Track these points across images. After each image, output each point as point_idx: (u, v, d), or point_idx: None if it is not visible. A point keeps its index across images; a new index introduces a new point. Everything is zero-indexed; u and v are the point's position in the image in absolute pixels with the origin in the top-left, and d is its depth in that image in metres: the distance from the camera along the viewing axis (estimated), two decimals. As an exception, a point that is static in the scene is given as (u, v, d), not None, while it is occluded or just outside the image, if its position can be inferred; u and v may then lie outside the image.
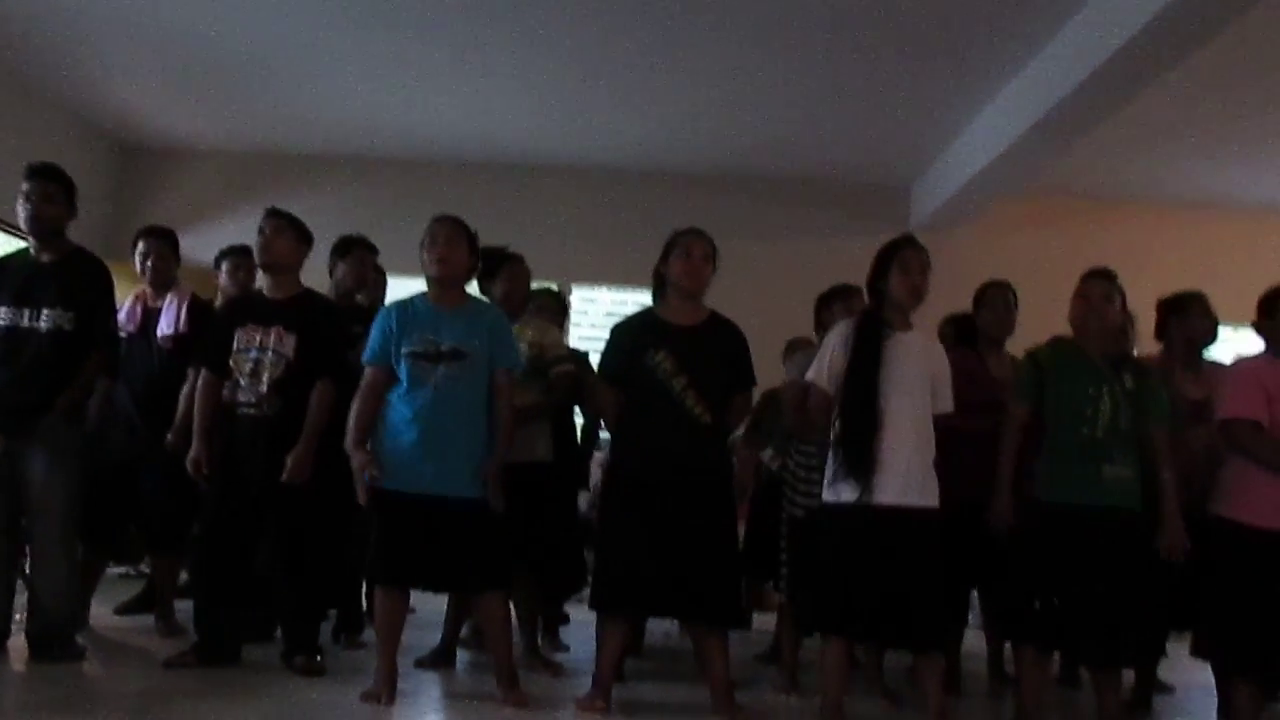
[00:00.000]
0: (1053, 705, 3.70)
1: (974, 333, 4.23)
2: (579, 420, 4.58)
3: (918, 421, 3.30)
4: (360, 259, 4.42)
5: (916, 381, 3.33)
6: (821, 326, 4.05)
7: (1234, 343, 3.70)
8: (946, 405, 3.40)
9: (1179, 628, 3.73)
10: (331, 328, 3.77)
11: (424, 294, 3.52)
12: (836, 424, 3.32)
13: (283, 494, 3.59)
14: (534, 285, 4.54)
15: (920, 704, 3.39)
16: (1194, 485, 3.61)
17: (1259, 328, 3.56)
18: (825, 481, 3.34)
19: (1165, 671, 4.11)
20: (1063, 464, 3.35)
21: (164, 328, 4.24)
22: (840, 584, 3.23)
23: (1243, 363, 3.59)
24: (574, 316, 7.80)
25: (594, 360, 4.00)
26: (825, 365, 3.37)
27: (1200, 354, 4.04)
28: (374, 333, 3.45)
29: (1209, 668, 3.62)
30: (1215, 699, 3.85)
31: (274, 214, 3.82)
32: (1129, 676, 3.79)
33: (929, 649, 3.35)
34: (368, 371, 3.44)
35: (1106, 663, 3.37)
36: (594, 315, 7.70)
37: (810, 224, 7.60)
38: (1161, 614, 3.52)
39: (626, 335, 3.54)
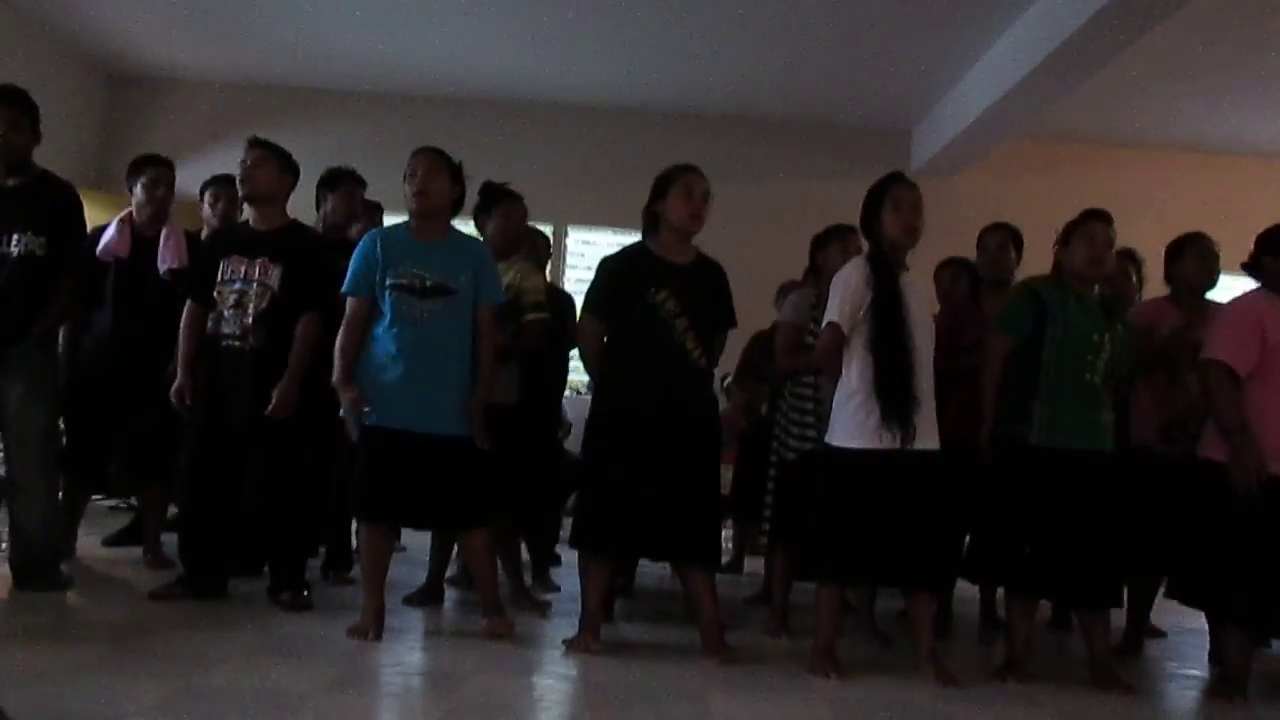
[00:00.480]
0: (1043, 649, 3.69)
1: (975, 276, 4.18)
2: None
3: (928, 361, 3.27)
4: (348, 192, 4.33)
5: (925, 321, 3.31)
6: (816, 269, 3.99)
7: (1238, 288, 3.63)
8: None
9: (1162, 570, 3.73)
10: (318, 260, 3.68)
11: (406, 224, 3.44)
12: (857, 367, 3.22)
13: (267, 428, 3.54)
14: (534, 228, 4.50)
15: (911, 647, 3.38)
16: (1191, 429, 3.58)
17: (1255, 264, 3.47)
18: (843, 426, 3.25)
19: (1155, 616, 4.11)
20: (1065, 409, 3.28)
21: (168, 260, 4.16)
22: (852, 529, 3.18)
23: (1238, 302, 3.48)
24: (570, 259, 7.77)
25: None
26: (848, 303, 3.23)
27: (1197, 297, 3.97)
28: (355, 262, 3.38)
29: (1196, 612, 3.61)
30: (1205, 643, 3.87)
31: (256, 144, 3.72)
32: (1120, 620, 3.79)
33: (938, 587, 3.34)
34: (350, 302, 3.37)
35: (1101, 604, 3.35)
36: (590, 258, 7.60)
37: (810, 167, 7.50)
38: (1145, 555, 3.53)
39: (620, 270, 3.46)
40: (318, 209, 4.33)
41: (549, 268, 5.24)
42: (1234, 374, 3.29)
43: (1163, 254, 4.06)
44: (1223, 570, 3.30)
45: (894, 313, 3.21)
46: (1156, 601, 3.93)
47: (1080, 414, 3.28)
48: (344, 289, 3.38)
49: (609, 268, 3.50)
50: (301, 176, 3.86)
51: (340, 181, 4.33)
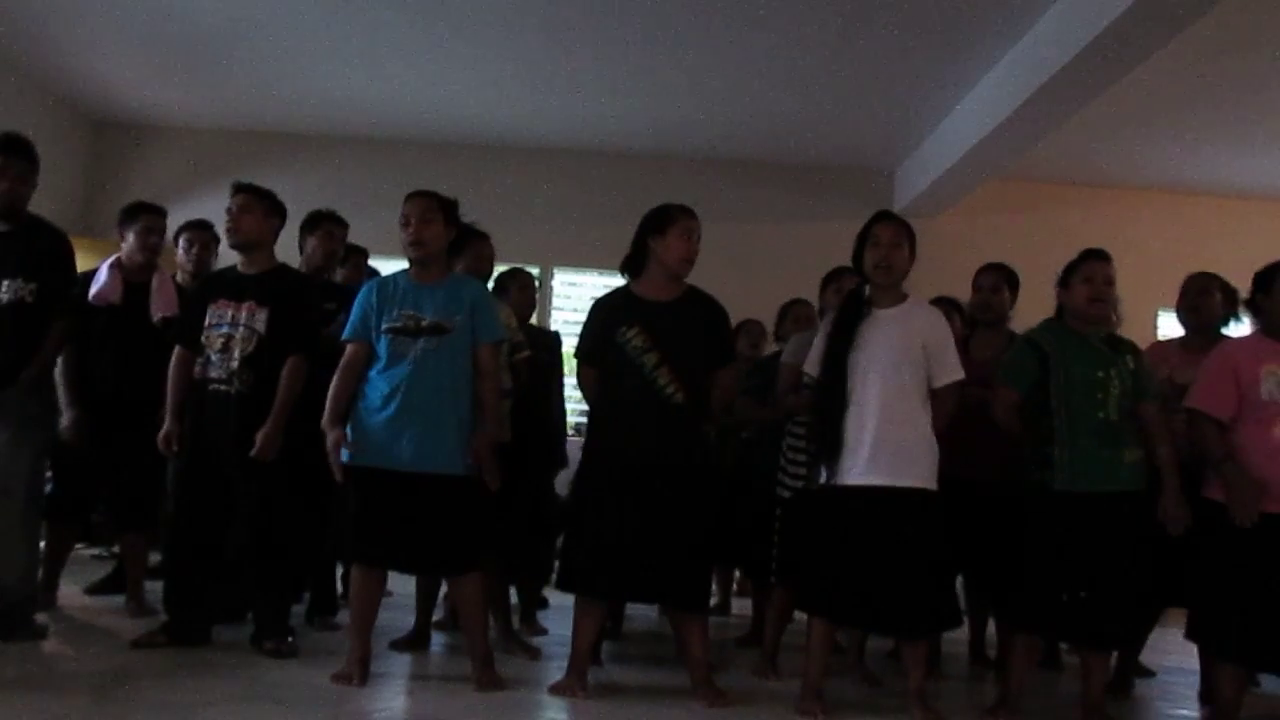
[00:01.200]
0: (1032, 688, 3.67)
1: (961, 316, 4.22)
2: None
3: (889, 399, 3.23)
4: (328, 234, 4.33)
5: (892, 359, 3.26)
6: (821, 311, 4.04)
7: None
8: (950, 375, 3.31)
9: (1169, 605, 3.71)
10: (304, 302, 3.69)
11: (406, 271, 3.45)
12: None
13: (252, 471, 3.52)
14: (519, 269, 4.51)
15: (901, 687, 3.36)
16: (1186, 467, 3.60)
17: (1250, 302, 3.51)
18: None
19: (1144, 655, 4.10)
20: (1084, 451, 3.27)
21: (160, 309, 4.16)
22: (821, 566, 3.20)
23: (1217, 349, 3.52)
24: (556, 301, 7.80)
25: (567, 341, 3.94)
26: (814, 349, 3.36)
27: (1202, 337, 3.96)
28: (355, 309, 3.40)
29: (1187, 652, 3.60)
30: (1194, 682, 3.85)
31: (240, 189, 3.72)
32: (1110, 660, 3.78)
33: (909, 636, 3.32)
34: (348, 349, 3.38)
35: (1119, 645, 3.33)
36: (576, 299, 7.64)
37: (795, 208, 7.57)
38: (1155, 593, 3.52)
39: (600, 312, 3.49)
40: (300, 252, 4.34)
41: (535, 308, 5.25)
42: (1212, 419, 3.32)
43: (1145, 294, 4.12)
44: (1218, 605, 3.29)
45: (832, 356, 3.28)
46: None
47: (1099, 454, 3.27)
48: (344, 336, 3.40)
49: (593, 311, 3.53)
50: (286, 220, 3.88)
51: (319, 224, 4.34)
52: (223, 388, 3.58)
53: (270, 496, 3.57)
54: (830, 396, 3.25)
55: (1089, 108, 5.63)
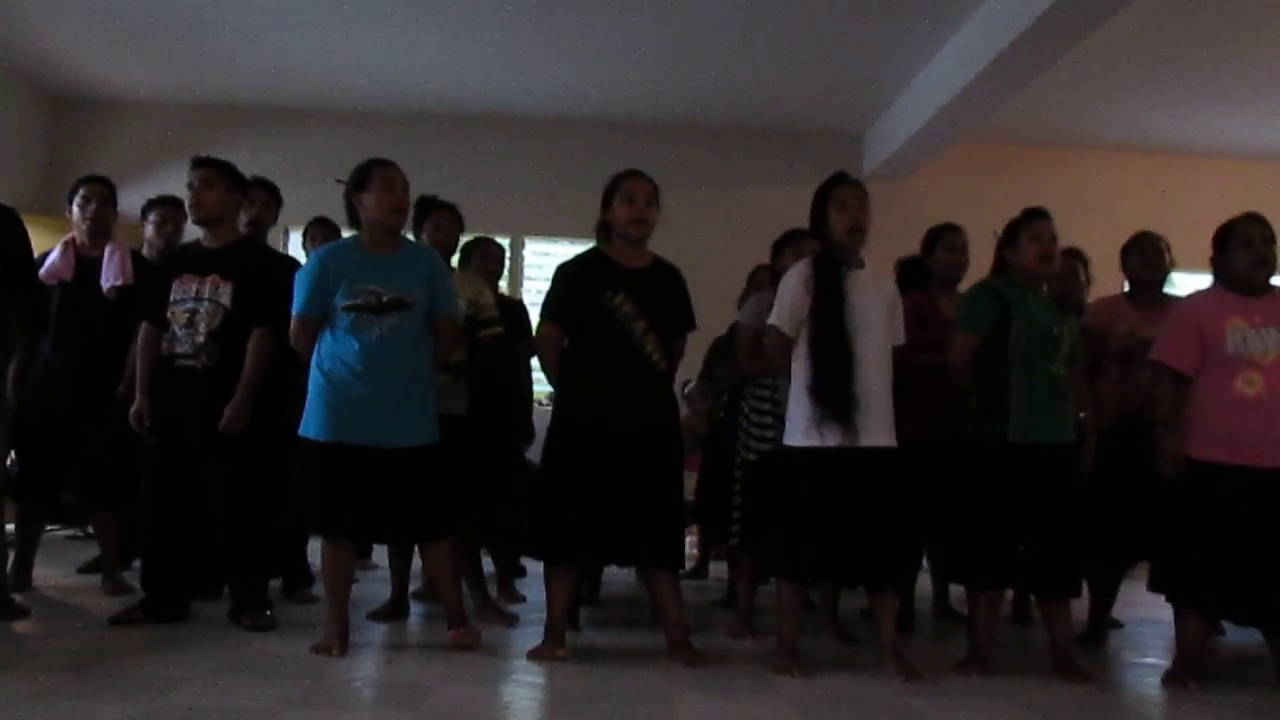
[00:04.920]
0: (1004, 642, 3.75)
1: (923, 276, 4.23)
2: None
3: (881, 359, 3.30)
4: (250, 199, 4.09)
5: (877, 318, 3.32)
6: (776, 273, 4.03)
7: (1188, 285, 3.75)
8: (900, 338, 3.41)
9: (1136, 559, 3.80)
10: (270, 276, 3.65)
11: (356, 238, 3.43)
12: (805, 367, 3.28)
13: (222, 446, 3.51)
14: (483, 238, 4.51)
15: (874, 643, 3.42)
16: (1144, 419, 3.66)
17: (1212, 261, 3.57)
18: (793, 425, 3.31)
19: (1115, 608, 4.18)
20: (1039, 403, 3.33)
21: (109, 278, 4.12)
22: (808, 527, 3.22)
23: (1180, 303, 3.61)
24: (527, 270, 7.77)
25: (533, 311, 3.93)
26: (787, 307, 3.33)
27: (1151, 293, 4.06)
28: (305, 281, 3.35)
29: (1156, 604, 3.67)
30: (1162, 632, 3.94)
31: (200, 164, 3.67)
32: (1081, 613, 3.85)
33: (896, 585, 3.39)
34: (299, 321, 3.35)
35: (1072, 592, 3.40)
36: (547, 269, 7.58)
37: (763, 173, 7.55)
38: (1112, 546, 3.61)
39: (577, 275, 3.47)
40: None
41: (505, 278, 5.24)
42: (1177, 373, 3.38)
43: (1112, 252, 4.18)
44: (1177, 554, 3.38)
45: (831, 314, 3.26)
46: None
47: (1050, 406, 3.34)
48: (296, 309, 3.35)
49: (565, 274, 3.51)
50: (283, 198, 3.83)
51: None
52: (190, 363, 3.56)
53: (241, 469, 3.56)
54: (839, 357, 3.23)
55: (1056, 68, 5.64)
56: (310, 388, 3.34)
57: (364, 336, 3.28)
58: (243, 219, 4.16)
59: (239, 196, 3.75)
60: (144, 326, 3.67)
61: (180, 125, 7.35)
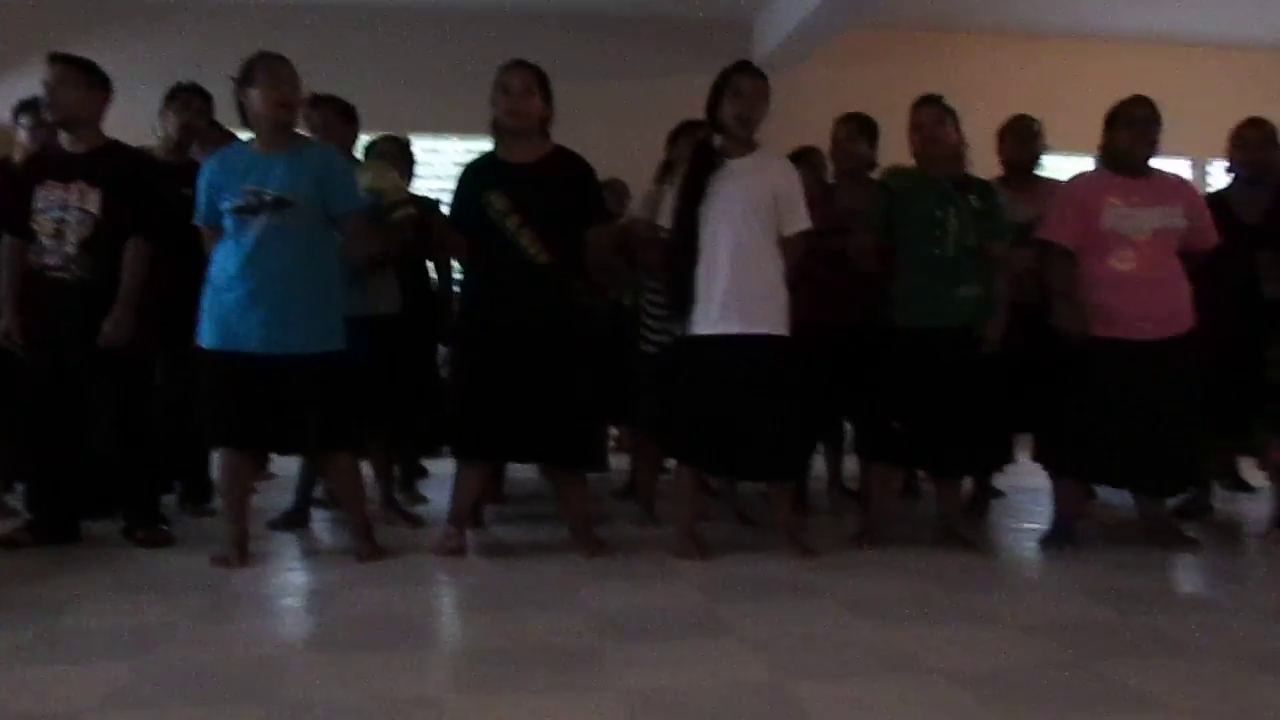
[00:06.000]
0: (896, 516, 3.91)
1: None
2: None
3: (740, 249, 3.30)
4: (185, 104, 4.05)
5: (743, 209, 3.31)
6: (669, 164, 4.00)
7: (1069, 167, 3.83)
8: (798, 224, 3.38)
9: (1019, 431, 3.97)
10: (141, 182, 3.48)
11: (248, 141, 3.29)
12: None
13: (103, 361, 3.39)
14: (392, 135, 4.37)
15: (773, 525, 3.53)
16: (1019, 300, 3.81)
17: (1101, 143, 3.66)
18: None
19: (996, 479, 4.39)
20: (918, 288, 3.42)
21: None
22: (682, 415, 3.29)
23: (1065, 184, 3.73)
24: (418, 168, 7.56)
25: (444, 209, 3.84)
26: (666, 202, 3.37)
27: (1026, 175, 4.16)
28: (200, 188, 3.25)
29: (1035, 474, 3.86)
30: (1040, 500, 4.15)
31: (55, 60, 3.43)
32: (967, 483, 4.04)
33: (772, 479, 3.47)
34: (203, 231, 3.27)
35: (962, 473, 3.56)
36: (438, 167, 7.42)
37: (652, 63, 7.42)
38: (1007, 422, 3.75)
39: (464, 177, 3.43)
40: (159, 129, 4.06)
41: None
42: (1064, 249, 3.49)
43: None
44: (1059, 424, 3.54)
45: (684, 209, 3.30)
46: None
47: (935, 290, 3.41)
48: (195, 220, 3.26)
49: (460, 176, 3.46)
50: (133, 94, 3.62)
51: (178, 95, 4.06)
52: (61, 275, 3.40)
53: (124, 384, 3.45)
54: (681, 251, 3.29)
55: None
56: (203, 295, 3.24)
57: (243, 238, 3.17)
58: (174, 123, 3.99)
59: (101, 95, 3.53)
60: (5, 239, 3.48)
61: (46, 19, 6.79)
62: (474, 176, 3.40)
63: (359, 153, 4.14)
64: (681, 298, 3.30)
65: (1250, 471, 4.58)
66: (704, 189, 3.29)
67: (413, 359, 3.96)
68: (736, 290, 3.27)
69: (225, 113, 4.02)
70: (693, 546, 3.36)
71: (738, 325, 3.27)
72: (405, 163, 4.35)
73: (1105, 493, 4.33)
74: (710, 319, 3.27)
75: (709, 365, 3.28)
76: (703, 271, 3.28)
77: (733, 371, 3.27)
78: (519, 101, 3.32)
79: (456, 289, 3.79)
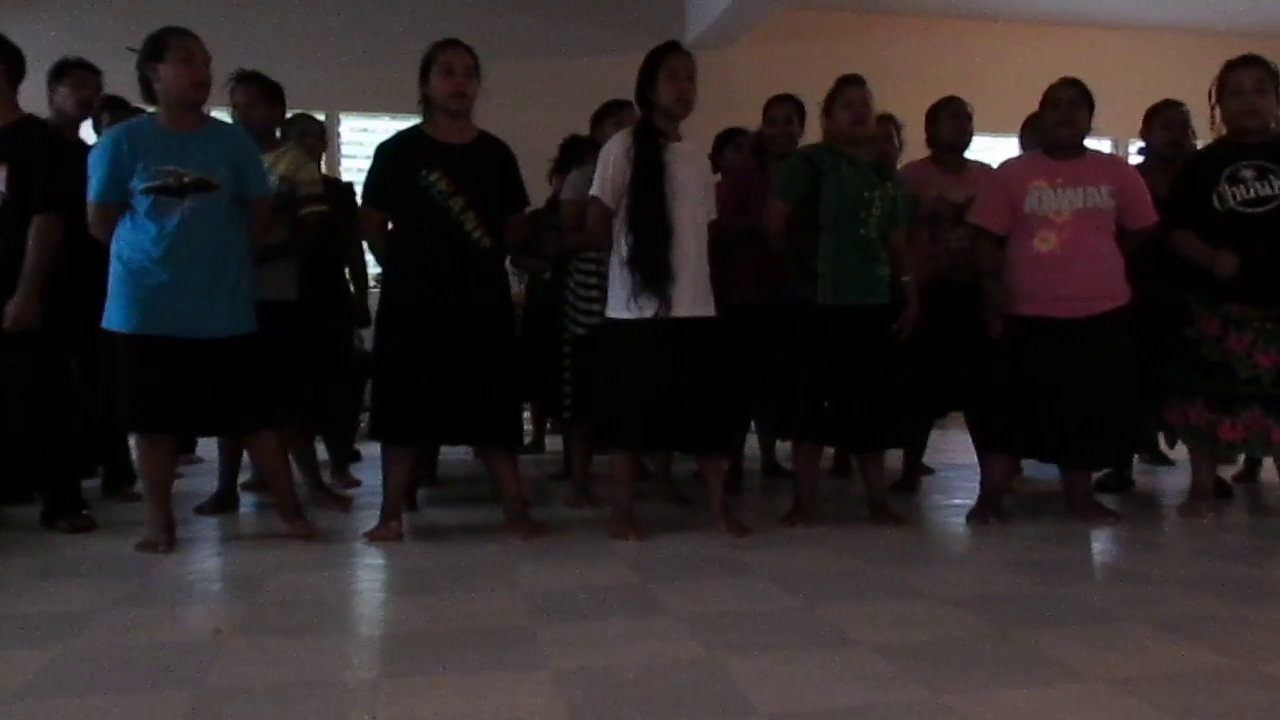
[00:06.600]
0: (825, 494, 3.96)
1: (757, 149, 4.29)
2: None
3: (699, 231, 3.35)
4: (80, 80, 3.94)
5: (695, 190, 3.35)
6: (596, 144, 3.99)
7: (1001, 151, 3.92)
8: (714, 213, 3.47)
9: (949, 410, 4.05)
10: (50, 158, 3.37)
11: (152, 115, 3.19)
12: (624, 239, 3.30)
13: (12, 344, 3.29)
14: (301, 114, 4.31)
15: (707, 504, 3.55)
16: (954, 280, 3.90)
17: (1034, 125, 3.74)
18: (614, 298, 3.34)
19: (926, 455, 4.47)
20: (848, 266, 3.45)
21: None
22: (633, 397, 3.29)
23: (994, 169, 3.82)
24: (346, 149, 7.43)
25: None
26: (608, 178, 3.32)
27: (957, 157, 4.23)
28: (99, 164, 3.09)
29: (963, 450, 3.95)
30: (968, 475, 4.25)
31: None
32: (897, 461, 4.11)
33: (715, 450, 3.50)
34: (97, 209, 3.12)
35: (883, 447, 3.62)
36: (368, 146, 7.29)
37: (583, 41, 7.39)
38: (925, 399, 3.83)
39: (394, 155, 3.36)
40: (50, 105, 3.95)
41: (324, 157, 5.02)
42: (991, 234, 3.60)
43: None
44: (986, 400, 3.65)
45: (651, 185, 3.27)
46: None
47: (860, 269, 3.46)
48: (91, 196, 3.11)
49: (383, 153, 3.39)
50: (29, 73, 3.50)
51: (69, 70, 3.95)
52: (-34, 255, 3.28)
53: (36, 368, 3.36)
54: (656, 228, 3.26)
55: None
56: (110, 277, 3.12)
57: (164, 221, 3.08)
58: (70, 100, 3.88)
59: (11, 68, 3.41)
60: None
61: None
62: (405, 154, 3.33)
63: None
64: (658, 275, 3.24)
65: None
66: (663, 167, 3.28)
67: (319, 345, 3.92)
68: (698, 272, 3.32)
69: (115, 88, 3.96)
70: (629, 527, 3.37)
71: (704, 308, 3.34)
72: (318, 142, 4.35)
73: (1030, 468, 4.44)
74: (685, 301, 3.28)
75: (679, 347, 3.28)
76: (676, 252, 3.27)
77: (696, 352, 3.31)
78: (463, 83, 3.28)
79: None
